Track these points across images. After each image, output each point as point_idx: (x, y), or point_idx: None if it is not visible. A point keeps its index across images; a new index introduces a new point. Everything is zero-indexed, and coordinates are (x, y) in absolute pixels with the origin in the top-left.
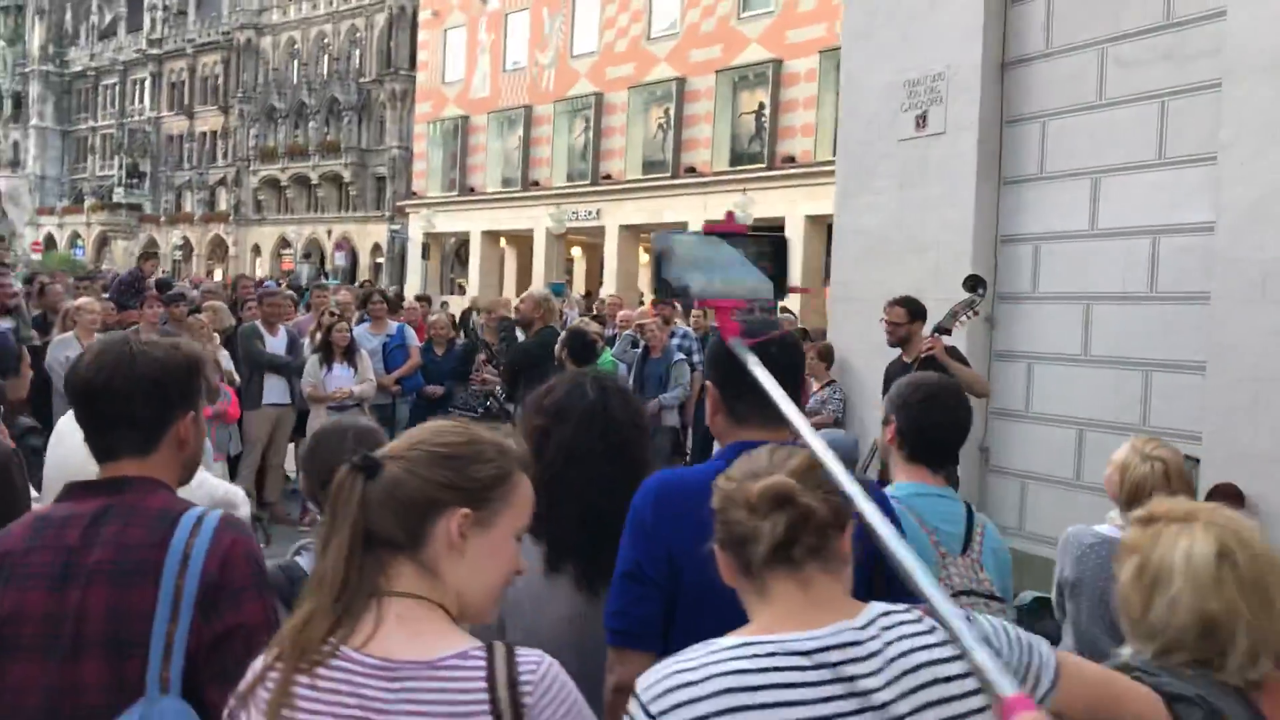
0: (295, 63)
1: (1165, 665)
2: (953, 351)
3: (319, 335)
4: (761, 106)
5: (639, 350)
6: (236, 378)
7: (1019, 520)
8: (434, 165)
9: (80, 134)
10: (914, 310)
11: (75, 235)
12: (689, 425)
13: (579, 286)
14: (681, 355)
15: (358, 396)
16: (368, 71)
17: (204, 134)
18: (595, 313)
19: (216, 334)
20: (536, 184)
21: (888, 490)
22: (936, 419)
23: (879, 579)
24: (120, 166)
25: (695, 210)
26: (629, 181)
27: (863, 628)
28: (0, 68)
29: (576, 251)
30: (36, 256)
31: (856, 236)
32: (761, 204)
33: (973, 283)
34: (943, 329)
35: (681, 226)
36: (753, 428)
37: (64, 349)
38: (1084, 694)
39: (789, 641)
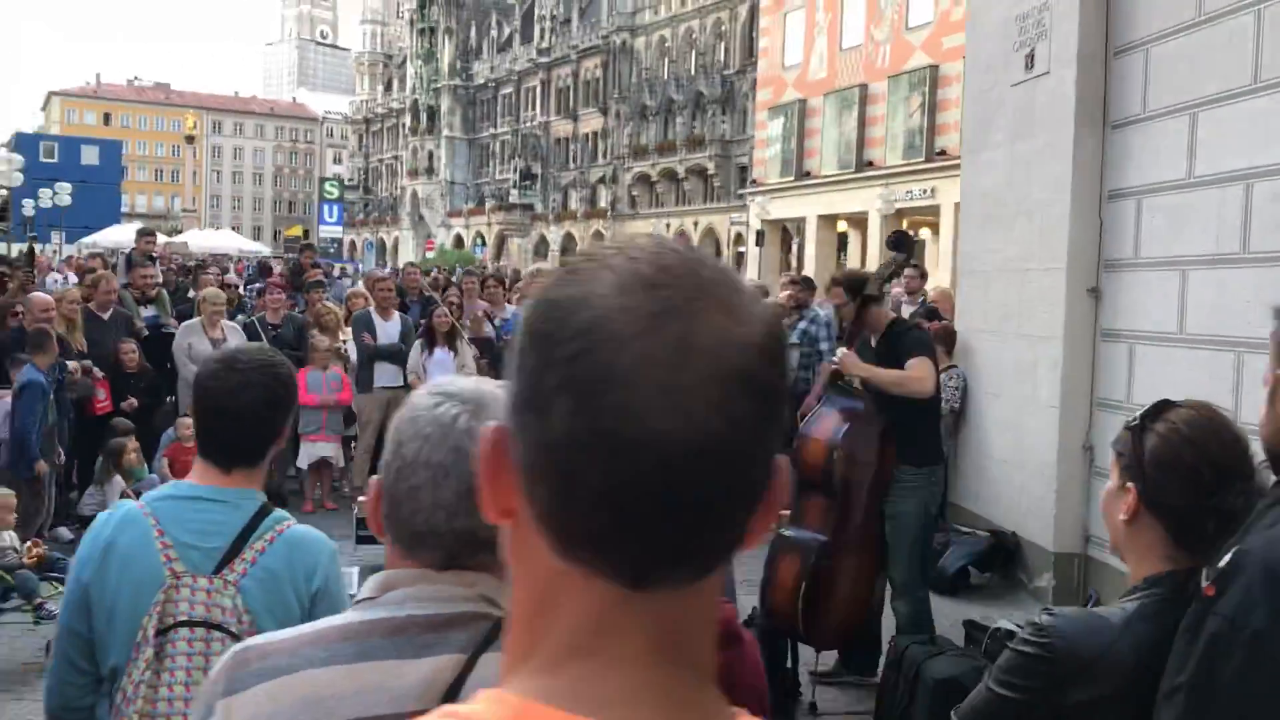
0: (665, 60)
1: None
2: (897, 326)
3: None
4: None
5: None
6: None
7: None
8: (773, 151)
9: (483, 141)
10: (852, 286)
11: (479, 235)
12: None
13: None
14: (797, 340)
15: None
16: (731, 64)
17: (586, 135)
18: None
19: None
20: (870, 164)
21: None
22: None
23: None
24: (515, 170)
25: None
26: None
27: None
28: (418, 84)
29: (927, 233)
30: (430, 254)
31: (977, 199)
32: None
33: (895, 240)
34: (868, 297)
35: None
36: None
37: (187, 336)
38: None
39: None
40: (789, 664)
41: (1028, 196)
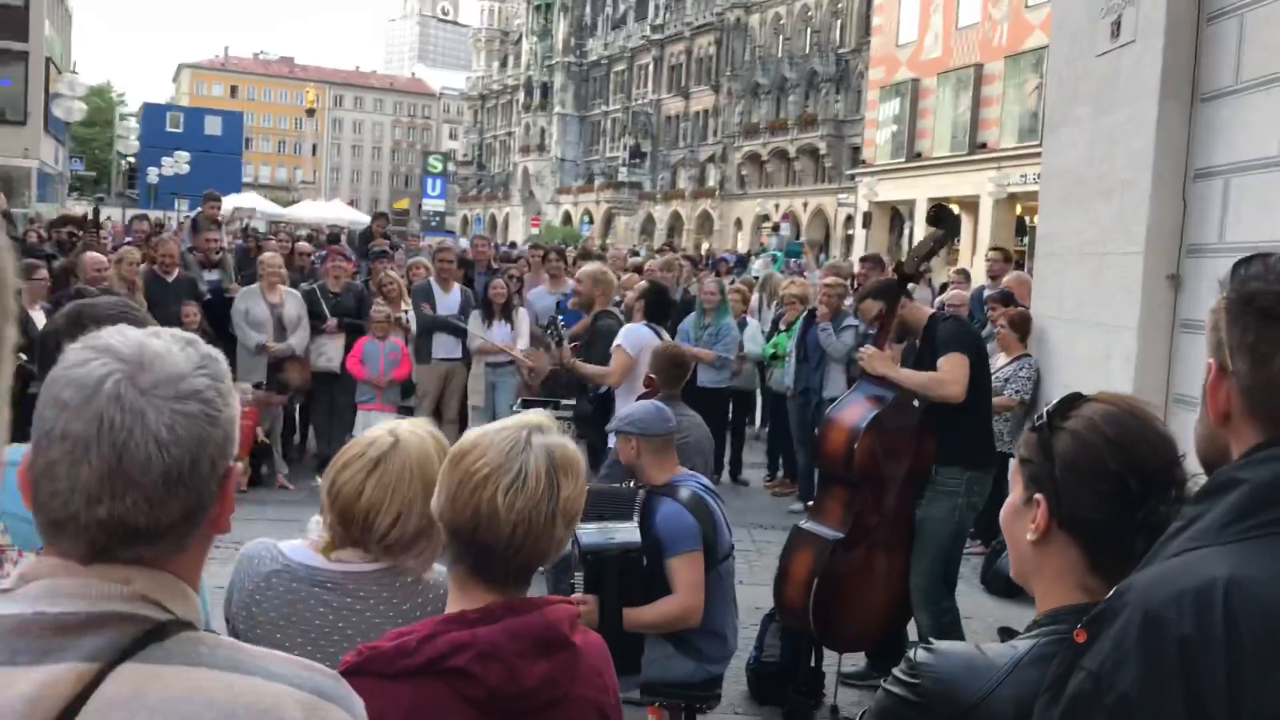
0: (780, 38)
1: None
2: (932, 320)
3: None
4: None
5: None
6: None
7: None
8: (884, 132)
9: (594, 119)
10: (879, 292)
11: (586, 212)
12: None
13: None
14: (853, 324)
15: (512, 355)
16: (847, 42)
17: (697, 113)
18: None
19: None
20: (984, 146)
21: None
22: None
23: None
24: (624, 148)
25: None
26: None
27: None
28: (531, 60)
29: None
30: (535, 231)
31: (1057, 177)
32: None
33: (936, 214)
34: (905, 277)
35: None
36: None
37: (245, 300)
38: None
39: None
40: (812, 663)
41: (1108, 175)
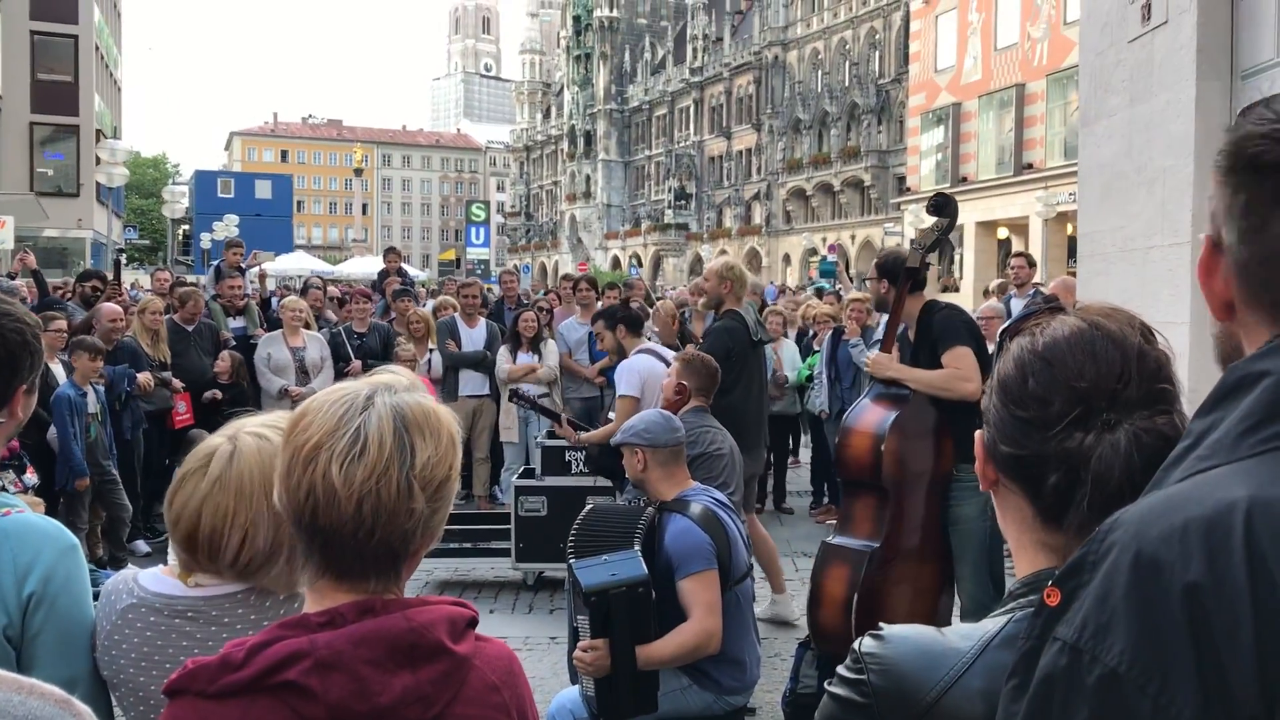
0: (818, 73)
1: None
2: (926, 309)
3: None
4: None
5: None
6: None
7: None
8: (928, 159)
9: (638, 163)
10: (883, 267)
11: (635, 256)
12: None
13: None
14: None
15: (538, 377)
16: (886, 72)
17: (740, 152)
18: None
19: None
20: (1030, 166)
21: None
22: None
23: None
24: (669, 190)
25: None
26: None
27: None
28: (574, 110)
29: None
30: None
31: (1095, 173)
32: None
33: (937, 203)
34: (905, 269)
35: None
36: None
37: (267, 346)
38: None
39: None
40: None
41: (1148, 164)
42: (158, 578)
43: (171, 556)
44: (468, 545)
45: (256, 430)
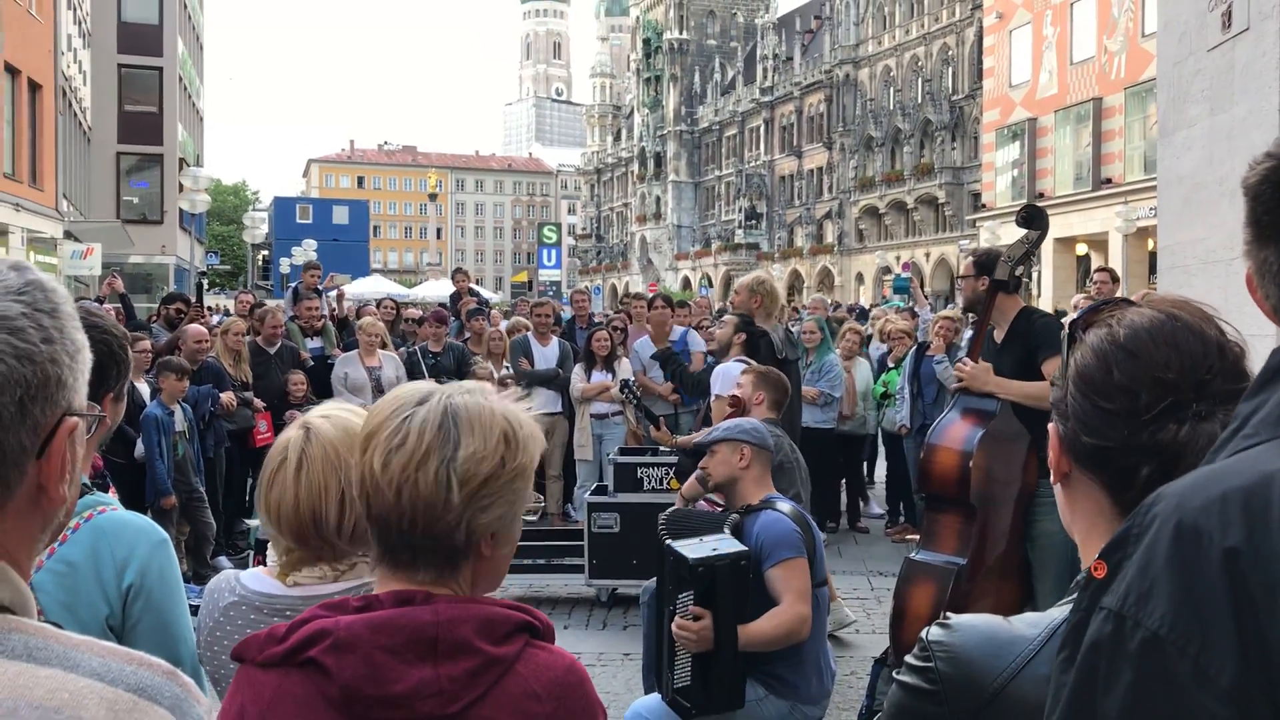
0: (890, 90)
1: None
2: (1024, 315)
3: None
4: None
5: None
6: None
7: None
8: (1003, 176)
9: (708, 184)
10: (981, 264)
11: (705, 276)
12: None
13: None
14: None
15: (611, 396)
16: (960, 89)
17: (811, 171)
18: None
19: None
20: (1108, 181)
21: None
22: None
23: None
24: (740, 210)
25: None
26: None
27: None
28: (644, 132)
29: None
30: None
31: (1175, 185)
32: None
33: (1026, 215)
34: (997, 283)
35: None
36: None
37: (344, 365)
38: None
39: None
40: None
41: (1230, 175)
42: (259, 577)
43: (271, 558)
44: (541, 561)
45: (321, 414)
